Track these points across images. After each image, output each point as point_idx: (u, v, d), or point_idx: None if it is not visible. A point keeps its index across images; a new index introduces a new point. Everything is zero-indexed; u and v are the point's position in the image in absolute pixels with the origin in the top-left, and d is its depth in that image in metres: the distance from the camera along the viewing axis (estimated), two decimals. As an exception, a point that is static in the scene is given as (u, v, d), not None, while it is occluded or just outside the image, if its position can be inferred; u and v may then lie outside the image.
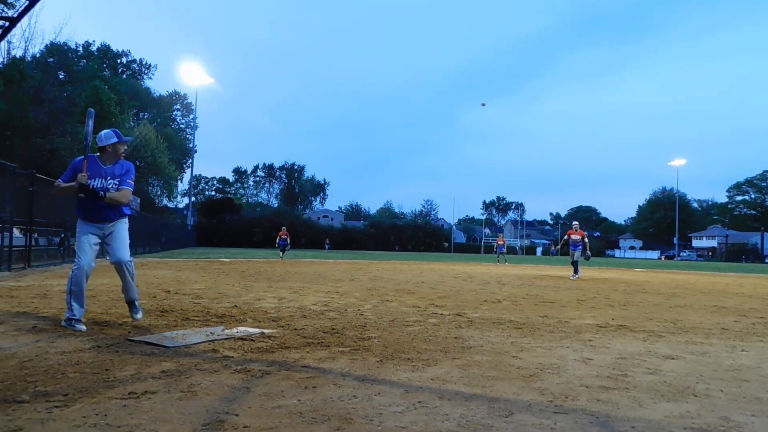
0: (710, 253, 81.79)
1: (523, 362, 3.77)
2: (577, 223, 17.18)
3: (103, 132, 4.82)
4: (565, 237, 16.36)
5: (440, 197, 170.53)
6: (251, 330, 4.69)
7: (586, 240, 15.98)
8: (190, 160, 62.93)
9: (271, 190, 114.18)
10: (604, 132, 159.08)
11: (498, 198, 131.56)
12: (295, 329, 4.84)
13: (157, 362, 3.41)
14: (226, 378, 3.08)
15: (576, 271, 15.83)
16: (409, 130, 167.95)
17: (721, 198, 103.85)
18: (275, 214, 70.03)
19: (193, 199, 69.58)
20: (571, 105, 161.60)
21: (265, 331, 4.69)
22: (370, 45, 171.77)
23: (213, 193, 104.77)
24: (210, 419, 2.37)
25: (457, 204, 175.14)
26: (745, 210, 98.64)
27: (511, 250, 78.49)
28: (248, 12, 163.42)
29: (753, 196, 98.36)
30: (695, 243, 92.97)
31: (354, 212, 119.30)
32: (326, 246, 58.70)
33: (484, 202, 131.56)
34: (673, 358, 4.07)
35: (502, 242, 30.77)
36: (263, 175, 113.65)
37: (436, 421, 2.45)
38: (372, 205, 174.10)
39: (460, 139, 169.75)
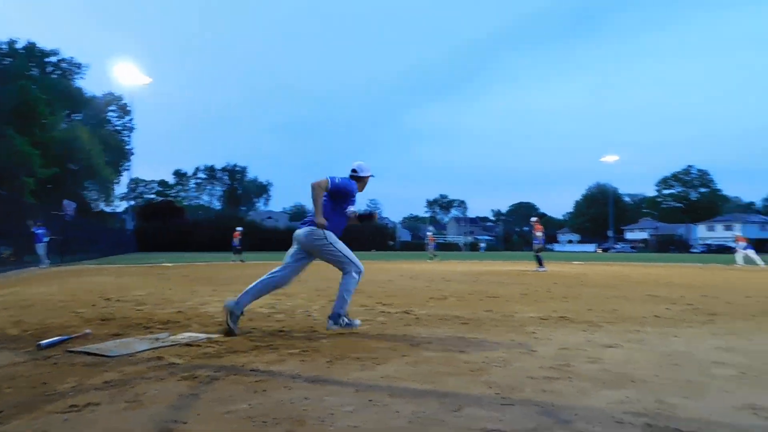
0: (643, 245, 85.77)
1: (470, 357, 3.85)
2: (535, 218, 17.95)
3: (364, 163, 5.15)
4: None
5: (385, 196, 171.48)
6: (197, 335, 4.59)
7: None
8: (128, 163, 60.65)
9: (213, 192, 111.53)
10: (543, 131, 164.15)
11: (441, 196, 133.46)
12: (243, 333, 4.76)
13: (99, 373, 3.29)
14: (173, 385, 3.00)
15: (541, 264, 16.54)
16: (354, 130, 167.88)
17: (651, 192, 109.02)
18: (217, 217, 68.46)
19: (132, 202, 67.10)
20: (511, 105, 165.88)
21: (212, 335, 4.60)
22: (315, 45, 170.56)
23: (153, 196, 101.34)
24: (157, 429, 2.31)
25: (401, 202, 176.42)
26: (672, 203, 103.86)
27: (455, 247, 79.80)
28: (187, 10, 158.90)
29: (679, 189, 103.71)
30: (628, 235, 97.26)
31: (299, 213, 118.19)
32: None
33: (428, 200, 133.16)
34: (611, 347, 4.25)
35: (432, 240, 31.80)
36: (205, 176, 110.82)
37: (388, 419, 2.48)
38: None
39: (404, 139, 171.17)
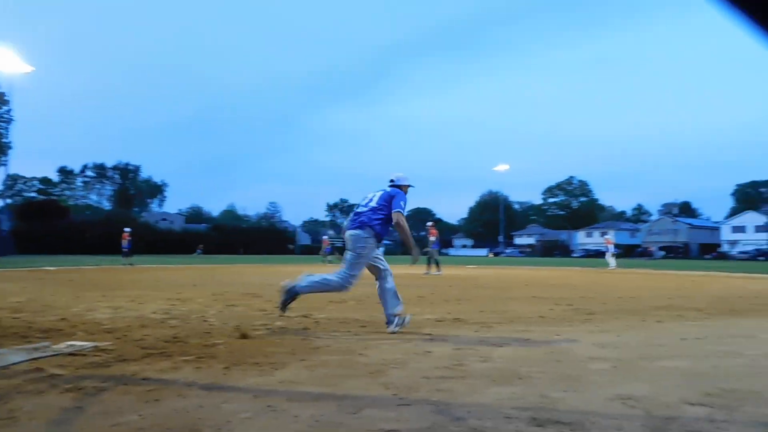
0: (530, 249, 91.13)
1: (369, 359, 3.92)
2: (431, 223, 18.63)
3: (403, 174, 5.60)
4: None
5: (285, 199, 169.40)
6: (83, 344, 4.29)
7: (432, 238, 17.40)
8: (5, 158, 55.03)
9: (102, 191, 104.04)
10: (440, 138, 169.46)
11: (341, 200, 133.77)
12: (134, 340, 4.52)
13: (-36, 388, 2.99)
14: (55, 399, 2.80)
15: (438, 268, 17.09)
16: (255, 132, 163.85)
17: (537, 200, 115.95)
18: (106, 218, 63.95)
19: (9, 201, 60.95)
20: (411, 112, 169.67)
21: (99, 344, 4.32)
22: (217, 42, 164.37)
23: (34, 194, 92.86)
24: (36, 445, 2.15)
25: (301, 206, 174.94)
26: (556, 211, 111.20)
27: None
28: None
29: (562, 198, 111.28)
30: (517, 240, 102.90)
31: (195, 215, 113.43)
32: (198, 251, 55.05)
33: (328, 204, 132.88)
34: (501, 346, 4.50)
35: (327, 244, 32.05)
36: (93, 175, 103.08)
37: (287, 424, 2.47)
38: (215, 207, 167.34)
39: (306, 142, 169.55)
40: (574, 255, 77.44)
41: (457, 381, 3.31)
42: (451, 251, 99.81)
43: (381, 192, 5.38)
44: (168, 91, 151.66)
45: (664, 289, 11.74)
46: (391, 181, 5.48)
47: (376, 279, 5.33)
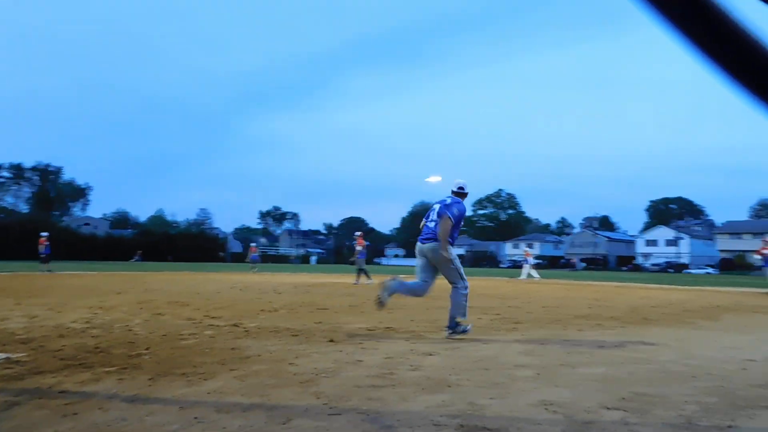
0: (460, 260, 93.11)
1: (300, 368, 3.90)
2: (359, 233, 18.68)
3: (465, 181, 6.08)
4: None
5: (217, 206, 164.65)
6: (-10, 355, 4.02)
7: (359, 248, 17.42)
8: None
9: (19, 193, 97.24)
10: (375, 148, 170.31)
11: (274, 207, 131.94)
12: (51, 351, 4.28)
13: None
14: (-41, 414, 2.61)
15: (368, 277, 17.12)
16: (186, 135, 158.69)
17: (468, 211, 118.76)
18: (22, 221, 59.78)
19: None
20: (346, 122, 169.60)
21: (11, 355, 4.06)
22: (148, 41, 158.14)
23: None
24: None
25: (233, 213, 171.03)
26: (485, 222, 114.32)
27: (286, 259, 79.31)
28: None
29: (491, 210, 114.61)
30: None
31: (121, 220, 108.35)
32: (136, 258, 52.40)
33: (261, 212, 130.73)
34: (431, 355, 4.58)
35: (254, 251, 31.72)
36: (9, 176, 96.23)
37: (216, 435, 2.42)
38: (142, 212, 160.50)
39: (239, 148, 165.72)
40: (502, 265, 79.79)
41: (387, 390, 3.34)
42: (384, 261, 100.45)
43: (440, 204, 5.94)
44: (94, 90, 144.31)
45: (584, 299, 12.31)
46: (460, 188, 6.08)
47: (423, 280, 5.89)
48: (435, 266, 5.78)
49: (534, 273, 25.90)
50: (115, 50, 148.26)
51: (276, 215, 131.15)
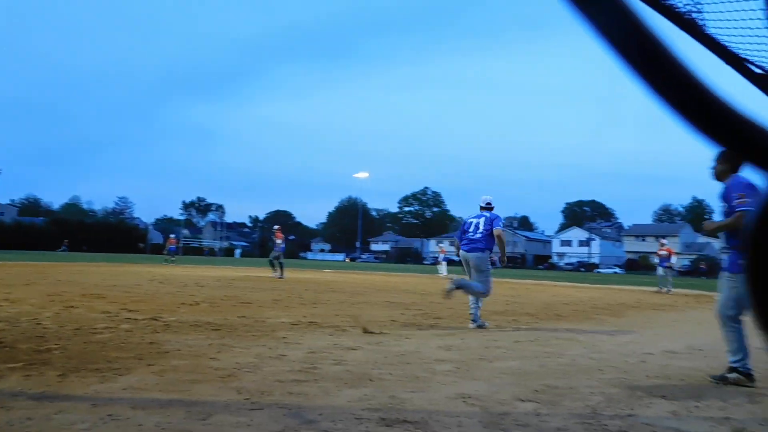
0: (385, 256, 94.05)
1: (221, 363, 3.84)
2: (278, 227, 18.45)
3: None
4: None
5: (137, 195, 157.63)
6: None
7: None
8: None
9: None
10: (303, 142, 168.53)
11: (198, 198, 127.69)
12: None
13: None
14: None
15: (281, 272, 16.97)
16: (105, 120, 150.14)
17: (393, 208, 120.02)
18: None
19: None
20: (274, 114, 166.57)
21: None
22: (60, 20, 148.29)
23: None
24: None
25: (155, 203, 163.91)
26: (410, 219, 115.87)
27: (211, 252, 77.16)
28: None
29: (416, 207, 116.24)
30: (373, 246, 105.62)
31: (31, 206, 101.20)
32: (63, 248, 48.66)
33: (184, 203, 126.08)
34: (354, 349, 4.64)
35: (173, 243, 30.95)
36: None
37: (131, 433, 2.36)
38: (56, 199, 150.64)
39: (160, 137, 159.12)
40: (426, 262, 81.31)
41: (310, 384, 3.37)
42: (309, 255, 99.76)
43: (483, 218, 6.89)
44: (1, 66, 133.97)
45: (503, 296, 12.78)
46: (488, 204, 7.13)
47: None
48: (474, 269, 6.71)
49: (444, 269, 26.69)
50: (28, 23, 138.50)
51: (200, 206, 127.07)
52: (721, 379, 3.90)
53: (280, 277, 16.77)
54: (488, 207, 7.12)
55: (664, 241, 18.25)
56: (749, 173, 4.03)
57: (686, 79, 0.33)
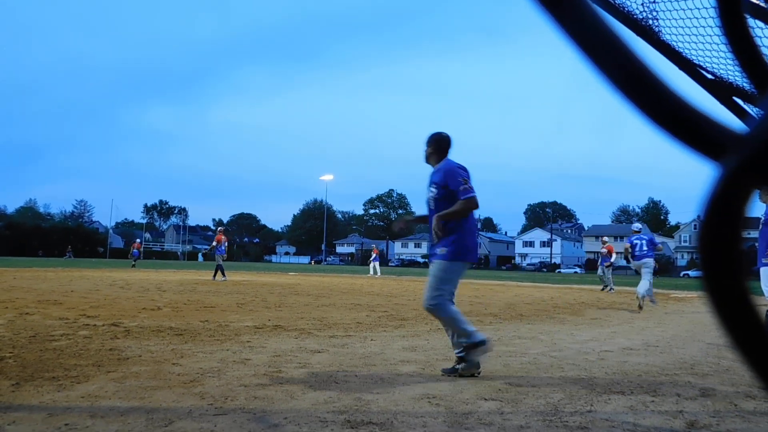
0: (350, 258, 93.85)
1: (183, 369, 3.77)
2: (221, 228, 18.54)
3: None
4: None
5: (96, 199, 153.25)
6: None
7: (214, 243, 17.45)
8: None
9: None
10: (267, 144, 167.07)
11: (161, 202, 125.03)
12: None
13: None
14: None
15: (223, 274, 16.97)
16: (62, 121, 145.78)
17: (359, 211, 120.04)
18: None
19: None
20: (238, 116, 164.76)
21: None
22: (14, 16, 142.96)
23: None
24: None
25: (115, 207, 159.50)
26: (376, 221, 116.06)
27: (173, 256, 75.79)
28: None
29: (382, 210, 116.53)
30: (339, 249, 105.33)
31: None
32: (68, 255, 46.91)
33: (146, 206, 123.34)
34: (319, 352, 4.61)
35: (137, 247, 30.52)
36: None
37: (90, 441, 2.29)
38: (10, 203, 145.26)
39: (120, 139, 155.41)
40: (391, 264, 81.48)
41: (275, 388, 3.33)
42: (274, 258, 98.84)
43: (646, 239, 10.25)
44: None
45: (466, 296, 12.92)
46: (639, 229, 10.41)
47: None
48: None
49: (377, 269, 27.01)
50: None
51: (162, 210, 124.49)
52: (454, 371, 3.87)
53: (223, 279, 16.78)
54: (638, 231, 10.47)
55: (606, 239, 17.96)
56: (455, 157, 4.18)
57: (647, 78, 0.34)
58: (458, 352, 3.89)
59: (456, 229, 3.94)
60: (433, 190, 4.07)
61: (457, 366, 3.86)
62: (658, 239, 13.19)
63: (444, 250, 3.93)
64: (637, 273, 10.68)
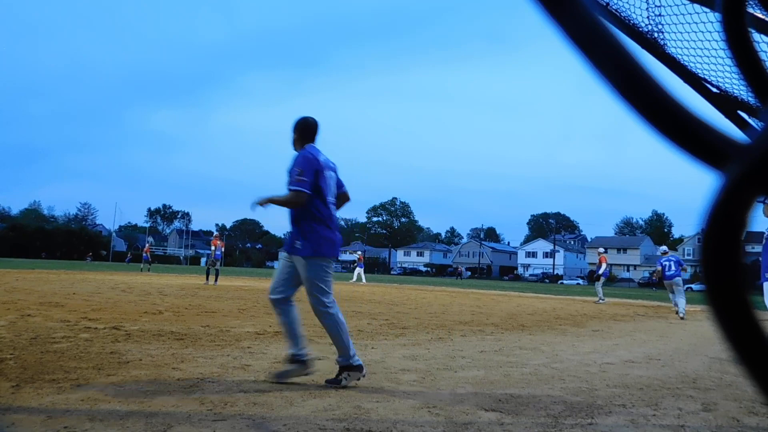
0: (352, 265, 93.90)
1: (183, 373, 3.76)
2: (217, 234, 18.70)
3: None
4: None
5: (100, 202, 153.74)
6: None
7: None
8: None
9: None
10: (271, 150, 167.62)
11: (164, 206, 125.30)
12: None
13: None
14: None
15: (215, 280, 17.14)
16: (65, 124, 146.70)
17: (362, 218, 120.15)
18: None
19: None
20: (242, 121, 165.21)
21: None
22: (21, 20, 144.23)
23: None
24: None
25: (118, 210, 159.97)
26: (378, 229, 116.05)
27: (176, 260, 75.88)
28: None
29: (385, 218, 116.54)
30: (341, 256, 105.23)
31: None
32: (88, 259, 47.14)
33: (149, 210, 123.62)
34: (320, 359, 4.60)
35: (148, 251, 30.62)
36: None
37: (89, 444, 2.29)
38: (14, 204, 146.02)
39: (125, 142, 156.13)
40: (393, 272, 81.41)
41: (274, 394, 3.33)
42: (276, 264, 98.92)
43: (674, 260, 11.55)
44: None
45: (468, 306, 12.90)
46: (666, 251, 11.66)
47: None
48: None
49: (362, 277, 26.99)
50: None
51: (166, 214, 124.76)
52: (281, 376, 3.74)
53: (215, 284, 16.88)
54: (665, 253, 12.12)
55: (601, 250, 17.77)
56: (317, 147, 3.98)
57: (651, 87, 0.34)
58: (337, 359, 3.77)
59: (310, 222, 3.81)
60: (287, 177, 3.89)
61: (340, 376, 3.71)
62: (660, 249, 13.98)
63: (303, 246, 3.80)
64: (672, 292, 12.52)
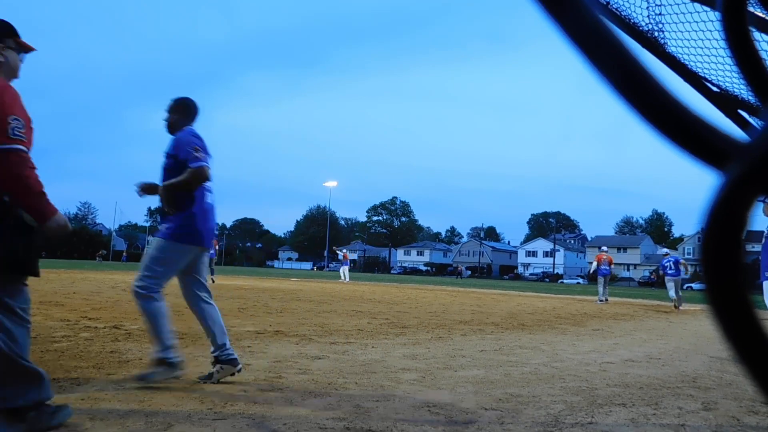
0: (352, 265, 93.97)
1: (184, 372, 3.76)
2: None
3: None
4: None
5: (100, 201, 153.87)
6: None
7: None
8: None
9: None
10: (272, 150, 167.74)
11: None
12: None
13: None
14: None
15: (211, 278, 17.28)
16: (65, 123, 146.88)
17: (362, 217, 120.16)
18: None
19: None
20: (242, 121, 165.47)
21: None
22: (21, 18, 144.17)
23: None
24: None
25: (119, 209, 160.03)
26: (379, 228, 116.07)
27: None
28: None
29: (385, 217, 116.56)
30: (341, 256, 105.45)
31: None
32: (98, 258, 47.20)
33: (150, 209, 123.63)
34: (320, 358, 4.61)
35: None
36: None
37: (89, 444, 2.29)
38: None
39: (125, 142, 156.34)
40: (394, 271, 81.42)
41: (275, 393, 3.33)
42: (277, 264, 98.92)
43: (673, 261, 12.28)
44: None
45: (468, 305, 12.90)
46: (667, 253, 12.36)
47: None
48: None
49: (346, 275, 27.04)
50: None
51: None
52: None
53: (212, 281, 16.92)
54: (666, 255, 12.98)
55: (604, 248, 17.93)
56: (197, 127, 3.81)
57: (651, 85, 0.34)
58: (213, 352, 3.60)
59: (187, 207, 3.58)
60: (164, 160, 3.69)
61: (213, 370, 3.54)
62: (660, 251, 15.47)
63: (167, 228, 3.57)
64: (671, 290, 14.48)
